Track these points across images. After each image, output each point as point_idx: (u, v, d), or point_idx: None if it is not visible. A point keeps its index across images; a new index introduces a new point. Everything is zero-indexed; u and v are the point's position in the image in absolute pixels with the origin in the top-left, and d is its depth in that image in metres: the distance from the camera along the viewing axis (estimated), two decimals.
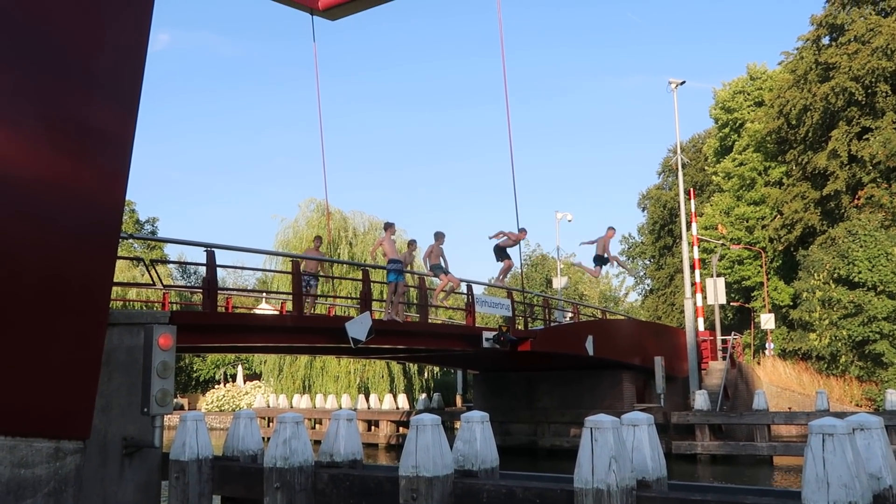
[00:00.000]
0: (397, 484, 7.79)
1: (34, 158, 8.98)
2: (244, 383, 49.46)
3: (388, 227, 16.99)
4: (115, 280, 10.66)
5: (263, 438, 10.51)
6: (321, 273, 16.84)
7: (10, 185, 8.70)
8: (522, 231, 18.49)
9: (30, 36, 9.10)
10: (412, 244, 18.93)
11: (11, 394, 8.62)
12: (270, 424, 31.77)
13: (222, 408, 45.25)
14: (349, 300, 25.94)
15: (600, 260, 20.05)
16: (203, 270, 12.96)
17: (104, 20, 9.86)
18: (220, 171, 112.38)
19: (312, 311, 16.96)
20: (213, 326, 13.03)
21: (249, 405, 42.29)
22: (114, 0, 10.00)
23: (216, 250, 12.95)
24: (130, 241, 50.71)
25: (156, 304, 25.36)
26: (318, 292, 17.69)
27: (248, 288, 56.33)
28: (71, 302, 9.20)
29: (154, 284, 15.73)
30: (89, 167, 9.52)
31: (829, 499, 5.50)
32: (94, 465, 10.04)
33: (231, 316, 16.14)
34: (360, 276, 17.21)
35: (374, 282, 17.86)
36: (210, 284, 12.66)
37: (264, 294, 33.58)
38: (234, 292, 36.64)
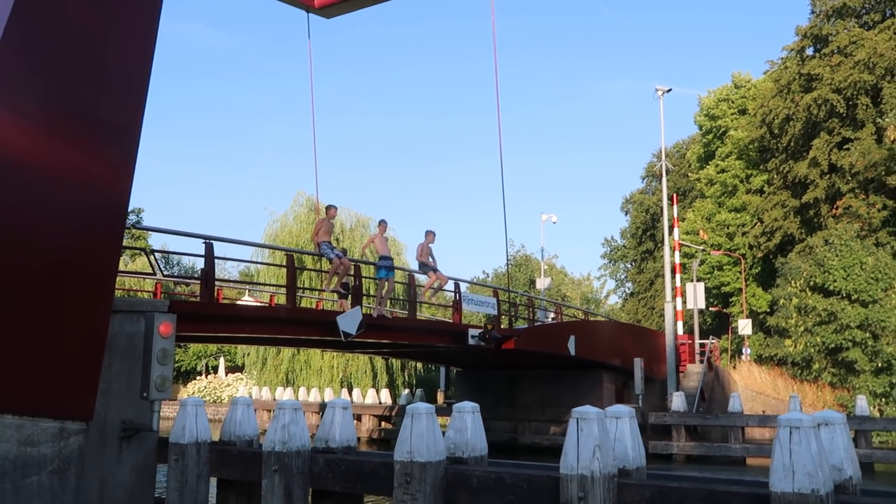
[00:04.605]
0: (391, 469, 8.21)
1: (44, 148, 9.29)
2: (226, 375, 49.64)
3: (381, 224, 17.38)
4: None
5: None
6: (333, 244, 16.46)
7: (21, 174, 9.01)
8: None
9: (42, 29, 9.40)
10: (429, 234, 18.21)
11: (20, 375, 8.95)
12: None
13: (203, 399, 45.45)
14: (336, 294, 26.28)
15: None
16: (186, 261, 13.25)
17: (113, 12, 10.16)
18: (208, 163, 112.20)
19: (334, 281, 16.50)
20: (210, 316, 13.38)
21: (231, 397, 42.50)
22: None
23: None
24: None
25: (143, 293, 25.49)
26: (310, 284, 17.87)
27: (231, 279, 56.39)
28: (78, 288, 9.53)
29: (154, 274, 16.04)
30: (97, 158, 9.83)
31: (795, 486, 5.99)
32: (93, 447, 10.33)
33: (228, 306, 16.48)
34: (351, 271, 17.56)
35: (366, 277, 18.25)
36: (208, 275, 13.01)
37: (247, 288, 33.89)
38: (232, 284, 36.93)
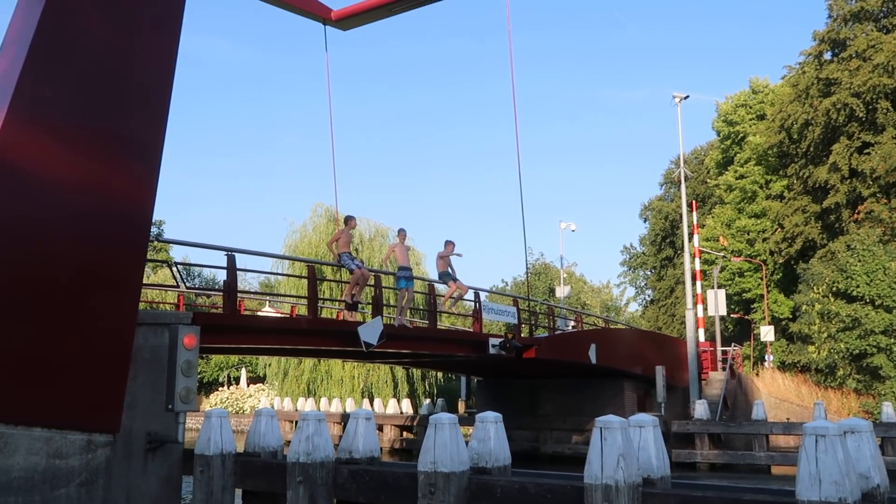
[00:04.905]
0: (415, 479, 8.24)
1: (71, 164, 9.47)
2: (248, 386, 49.88)
3: (400, 232, 17.46)
4: None
5: None
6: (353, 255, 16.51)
7: (47, 189, 9.20)
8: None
9: (65, 47, 9.60)
10: (448, 244, 18.25)
11: (48, 388, 9.09)
12: None
13: (225, 410, 45.65)
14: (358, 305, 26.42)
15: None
16: (207, 273, 13.33)
17: (135, 30, 10.36)
18: (227, 175, 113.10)
19: (356, 294, 16.31)
20: (233, 328, 13.49)
21: (253, 408, 42.75)
22: (146, 13, 10.50)
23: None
24: None
25: (166, 305, 25.67)
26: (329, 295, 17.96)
27: (251, 290, 56.74)
28: (103, 301, 9.67)
29: (177, 286, 16.22)
30: (121, 172, 10.01)
31: (821, 495, 5.96)
32: (119, 459, 10.44)
33: (250, 318, 16.60)
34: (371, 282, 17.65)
35: (386, 287, 18.33)
36: (230, 287, 13.14)
37: (268, 298, 34.10)
38: (253, 295, 37.21)
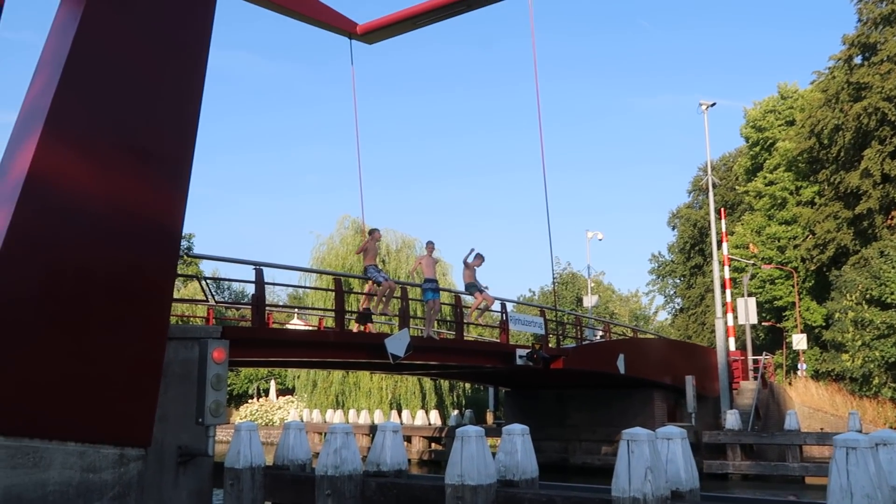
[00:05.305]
0: (442, 492, 8.26)
1: (103, 181, 9.66)
2: (277, 398, 50.18)
3: (429, 245, 17.56)
4: None
5: None
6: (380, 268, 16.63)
7: (81, 206, 9.39)
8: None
9: (99, 68, 9.82)
10: (477, 257, 18.25)
11: (82, 403, 9.23)
12: None
13: (255, 422, 45.97)
14: (385, 317, 26.53)
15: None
16: (236, 286, 13.45)
17: (166, 52, 10.57)
18: (252, 187, 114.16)
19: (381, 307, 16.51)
20: (262, 341, 13.64)
21: (283, 420, 42.98)
22: (176, 33, 10.71)
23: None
24: None
25: (196, 319, 25.98)
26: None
27: (280, 303, 57.12)
28: (135, 316, 9.82)
29: (206, 300, 16.43)
30: (152, 189, 10.20)
31: None
32: (151, 473, 10.57)
33: (279, 331, 16.76)
34: (398, 294, 17.74)
35: (412, 299, 18.39)
36: (259, 301, 13.28)
37: (296, 311, 34.35)
38: (281, 308, 37.52)
